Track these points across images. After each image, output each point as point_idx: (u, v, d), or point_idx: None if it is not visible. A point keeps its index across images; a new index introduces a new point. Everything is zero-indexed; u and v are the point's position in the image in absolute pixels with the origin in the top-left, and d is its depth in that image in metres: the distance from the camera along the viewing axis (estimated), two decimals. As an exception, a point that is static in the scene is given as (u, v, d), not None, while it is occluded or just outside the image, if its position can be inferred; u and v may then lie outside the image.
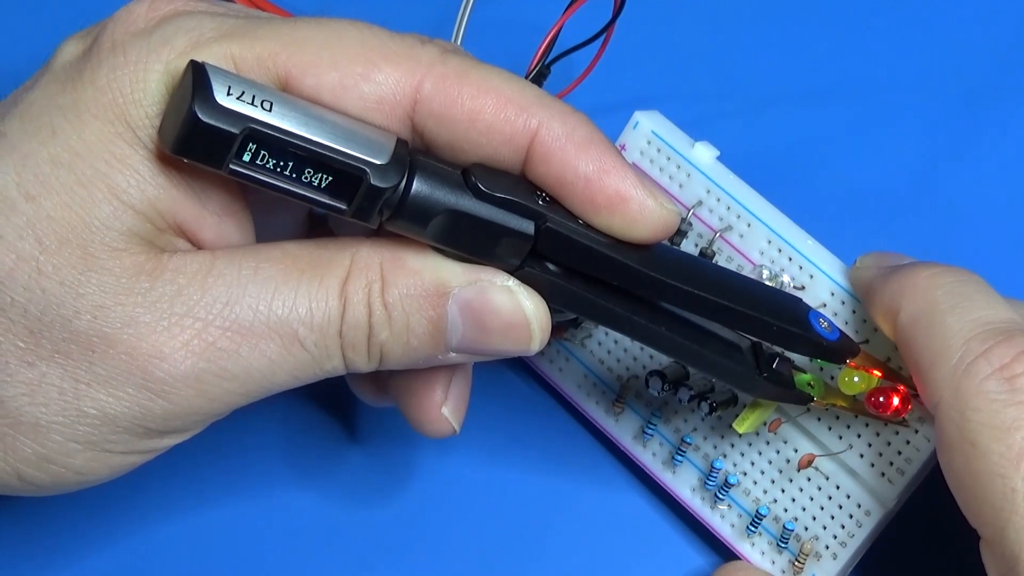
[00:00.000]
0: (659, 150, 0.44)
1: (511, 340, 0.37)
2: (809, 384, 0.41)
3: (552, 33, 0.46)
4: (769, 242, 0.42)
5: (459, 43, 0.48)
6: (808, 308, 0.40)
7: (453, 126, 0.36)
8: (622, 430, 0.46)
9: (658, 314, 0.38)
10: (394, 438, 0.47)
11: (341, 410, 0.48)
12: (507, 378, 0.48)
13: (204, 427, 0.37)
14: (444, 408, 0.40)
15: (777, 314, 0.39)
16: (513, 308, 0.37)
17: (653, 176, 0.44)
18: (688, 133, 0.44)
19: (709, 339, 0.39)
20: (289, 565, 0.46)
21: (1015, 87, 0.51)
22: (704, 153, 0.43)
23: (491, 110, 0.36)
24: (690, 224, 0.43)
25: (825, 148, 0.50)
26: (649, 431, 0.45)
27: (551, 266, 0.37)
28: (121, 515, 0.45)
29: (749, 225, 0.43)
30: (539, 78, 0.50)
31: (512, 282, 0.37)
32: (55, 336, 0.34)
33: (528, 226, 0.36)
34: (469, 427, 0.47)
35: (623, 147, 0.44)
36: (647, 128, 0.44)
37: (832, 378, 0.42)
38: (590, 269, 0.37)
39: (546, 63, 0.49)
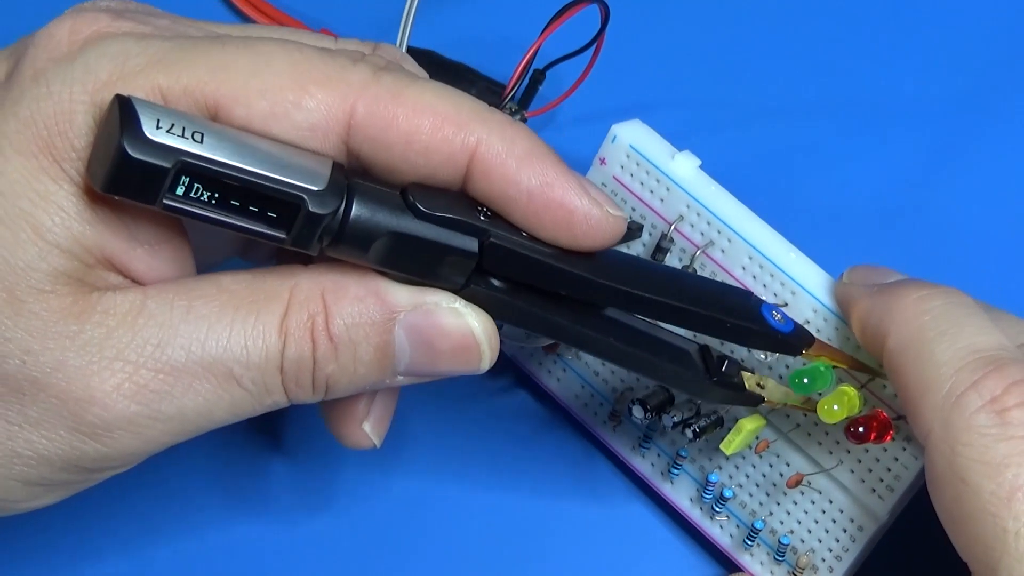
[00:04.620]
0: (638, 164, 0.41)
1: (461, 362, 0.35)
2: (759, 385, 0.39)
3: (531, 51, 0.44)
4: (750, 257, 0.40)
5: (403, 47, 0.46)
6: (760, 301, 0.38)
7: (390, 149, 0.34)
8: (620, 441, 0.44)
9: (607, 324, 0.36)
10: (386, 444, 0.47)
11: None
12: (505, 387, 0.47)
13: (142, 460, 0.35)
14: (365, 424, 0.38)
15: (729, 310, 0.37)
16: (462, 330, 0.35)
17: (635, 190, 0.41)
18: (678, 141, 0.42)
19: (658, 347, 0.37)
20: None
21: (1003, 100, 0.49)
22: (685, 165, 0.41)
23: (428, 130, 0.33)
24: (672, 240, 0.41)
25: (815, 158, 0.48)
26: (646, 444, 0.43)
27: (496, 282, 0.35)
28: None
29: (730, 240, 0.40)
30: (533, 85, 0.49)
31: (459, 303, 0.35)
32: None
33: (471, 243, 0.34)
34: (467, 435, 0.46)
35: (603, 161, 0.42)
36: (625, 142, 0.41)
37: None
38: (537, 281, 0.35)
39: (540, 69, 0.48)
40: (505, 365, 0.47)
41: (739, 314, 0.37)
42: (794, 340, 0.38)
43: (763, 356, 0.39)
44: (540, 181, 0.34)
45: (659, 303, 0.36)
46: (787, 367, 0.40)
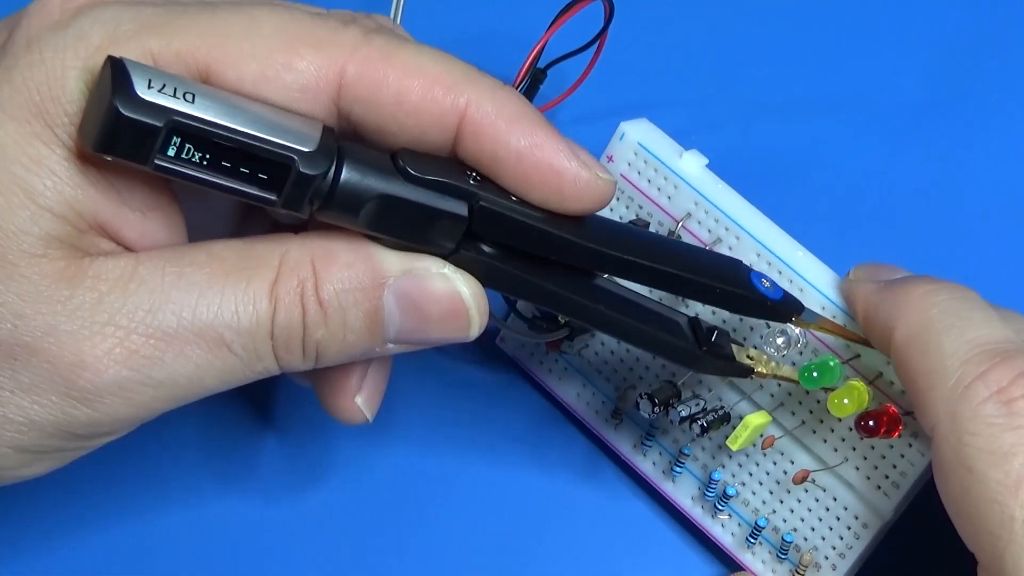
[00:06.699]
0: (646, 162, 0.41)
1: (450, 328, 0.35)
2: (748, 356, 0.39)
3: (537, 49, 0.44)
4: (758, 255, 0.40)
5: (398, 22, 0.45)
6: (749, 269, 0.38)
7: (380, 109, 0.33)
8: (621, 439, 0.44)
9: (597, 293, 0.36)
10: (387, 444, 0.46)
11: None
12: (506, 383, 0.46)
13: (133, 428, 0.34)
14: (358, 397, 0.38)
15: (719, 277, 0.37)
16: (451, 295, 0.35)
17: (642, 188, 0.41)
18: (681, 140, 0.41)
19: (648, 316, 0.37)
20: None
21: (1008, 96, 0.49)
22: (692, 163, 0.41)
23: (418, 91, 0.33)
24: (679, 237, 0.41)
25: (820, 156, 0.48)
26: (648, 442, 0.43)
27: (486, 248, 0.35)
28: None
29: (738, 238, 0.40)
30: (534, 84, 0.49)
31: (448, 268, 0.35)
32: None
33: (461, 207, 0.34)
34: (469, 433, 0.46)
35: (610, 159, 0.41)
36: (633, 139, 0.41)
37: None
38: (527, 245, 0.35)
39: (540, 68, 0.48)
40: (507, 362, 0.47)
41: (729, 280, 0.37)
42: (783, 307, 0.37)
43: (772, 350, 0.39)
44: (529, 142, 0.34)
45: (649, 268, 0.36)
46: (794, 364, 0.40)
